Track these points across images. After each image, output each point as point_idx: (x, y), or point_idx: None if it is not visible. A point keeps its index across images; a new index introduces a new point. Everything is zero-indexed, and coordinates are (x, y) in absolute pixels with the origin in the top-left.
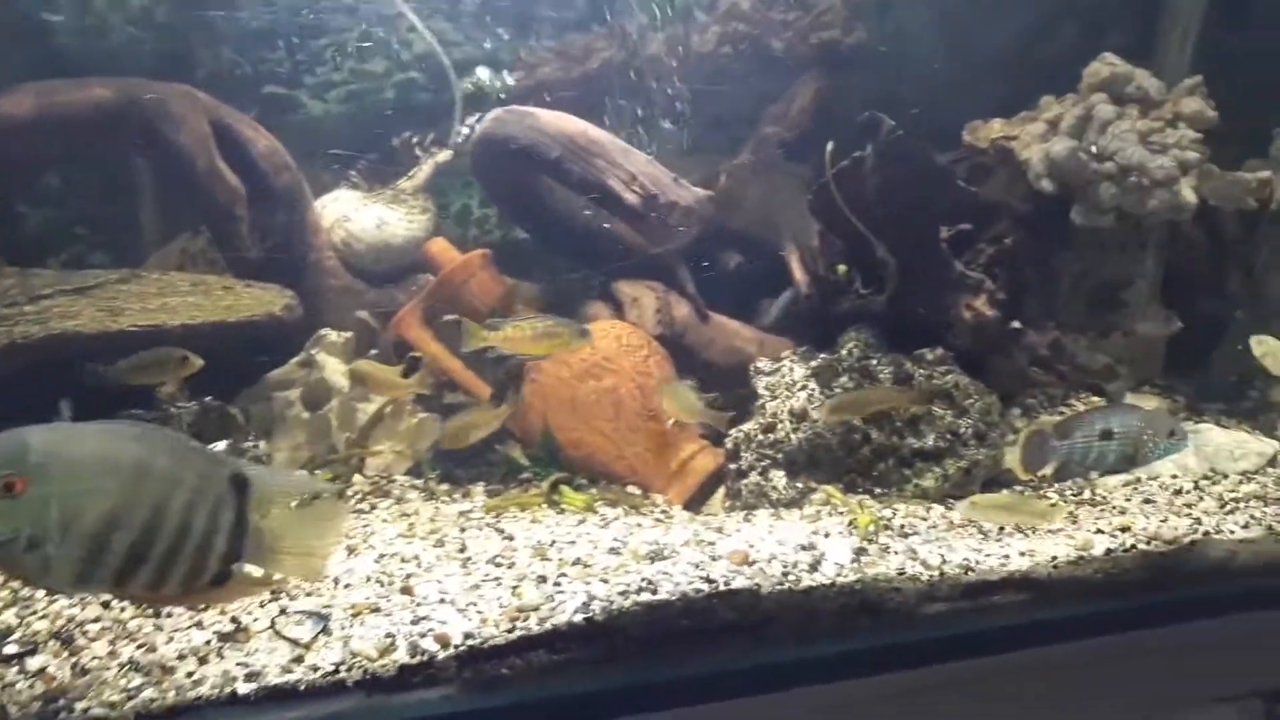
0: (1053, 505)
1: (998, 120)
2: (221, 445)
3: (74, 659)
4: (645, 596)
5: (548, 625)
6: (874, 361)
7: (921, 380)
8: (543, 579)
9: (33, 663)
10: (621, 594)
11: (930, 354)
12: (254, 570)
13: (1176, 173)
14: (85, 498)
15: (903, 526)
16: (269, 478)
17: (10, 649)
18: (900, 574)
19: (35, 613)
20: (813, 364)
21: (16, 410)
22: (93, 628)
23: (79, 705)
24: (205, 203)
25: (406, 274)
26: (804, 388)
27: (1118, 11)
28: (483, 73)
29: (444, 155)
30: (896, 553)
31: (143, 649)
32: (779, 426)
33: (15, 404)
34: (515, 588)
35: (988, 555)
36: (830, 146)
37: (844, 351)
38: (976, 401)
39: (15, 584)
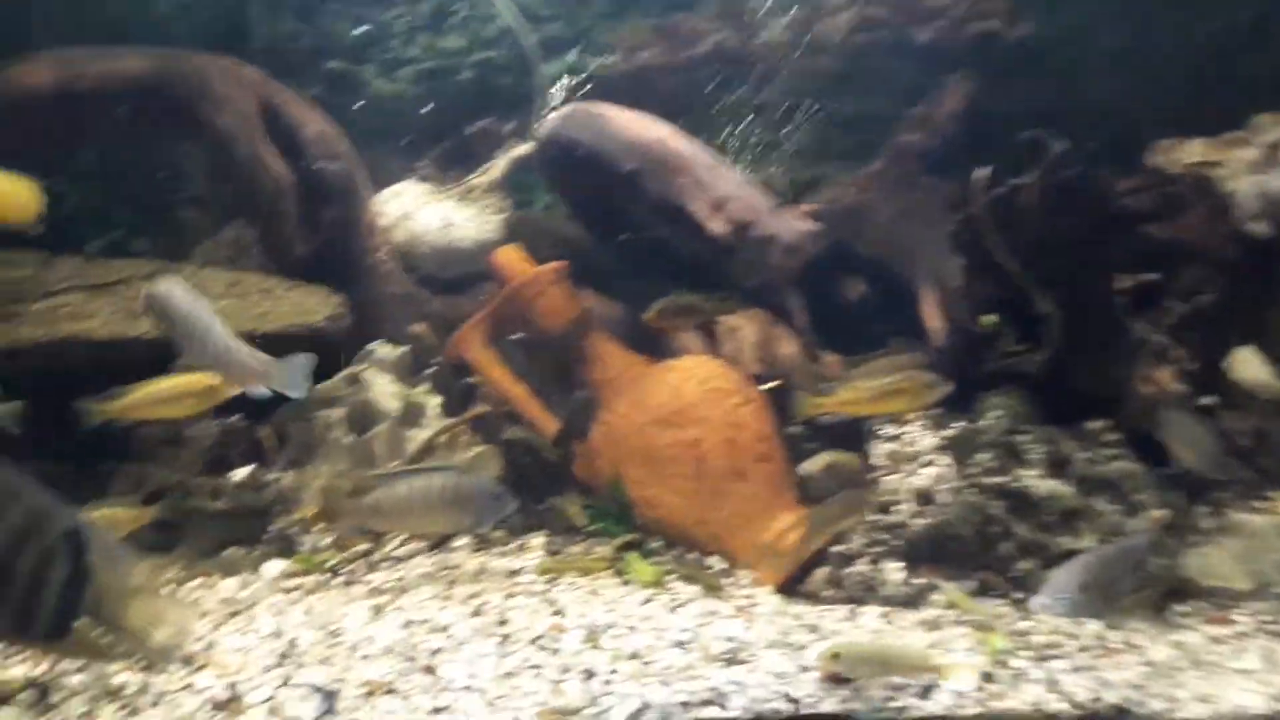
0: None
1: (1199, 141)
2: (243, 472)
3: (46, 717)
4: (711, 712)
5: None
6: (1023, 436)
7: None
8: (590, 674)
9: (3, 715)
10: (683, 705)
11: (1100, 427)
12: None
13: None
14: None
15: (1045, 646)
16: (110, 546)
17: None
18: (1036, 709)
19: (19, 656)
20: (946, 432)
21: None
22: (74, 680)
23: None
24: (248, 192)
25: (475, 282)
26: (932, 462)
27: None
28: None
29: (523, 149)
30: (1033, 680)
31: (124, 712)
32: (899, 506)
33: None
34: (557, 683)
35: (1152, 695)
36: (986, 170)
37: (986, 420)
38: (1150, 497)
39: None
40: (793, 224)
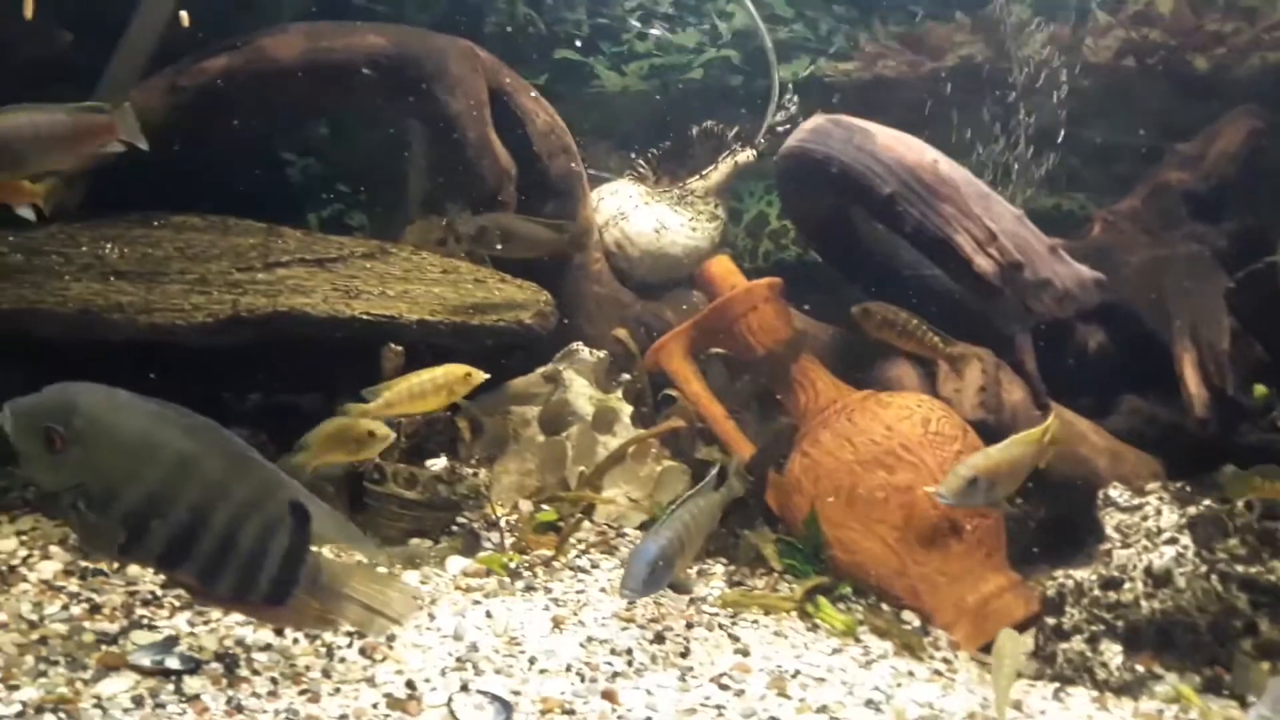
0: None
1: None
2: (441, 463)
3: (232, 691)
4: None
5: None
6: None
7: None
8: None
9: (190, 684)
10: None
11: None
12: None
13: None
14: (121, 478)
15: None
16: (332, 520)
17: (173, 662)
18: None
19: (207, 623)
20: (1191, 510)
21: (241, 382)
22: (260, 657)
23: None
24: (470, 179)
25: (680, 289)
26: (1173, 540)
27: None
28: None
29: (746, 155)
30: None
31: (305, 696)
32: (1127, 585)
33: (238, 376)
34: None
35: None
36: None
37: (1240, 503)
38: None
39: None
40: (1073, 270)
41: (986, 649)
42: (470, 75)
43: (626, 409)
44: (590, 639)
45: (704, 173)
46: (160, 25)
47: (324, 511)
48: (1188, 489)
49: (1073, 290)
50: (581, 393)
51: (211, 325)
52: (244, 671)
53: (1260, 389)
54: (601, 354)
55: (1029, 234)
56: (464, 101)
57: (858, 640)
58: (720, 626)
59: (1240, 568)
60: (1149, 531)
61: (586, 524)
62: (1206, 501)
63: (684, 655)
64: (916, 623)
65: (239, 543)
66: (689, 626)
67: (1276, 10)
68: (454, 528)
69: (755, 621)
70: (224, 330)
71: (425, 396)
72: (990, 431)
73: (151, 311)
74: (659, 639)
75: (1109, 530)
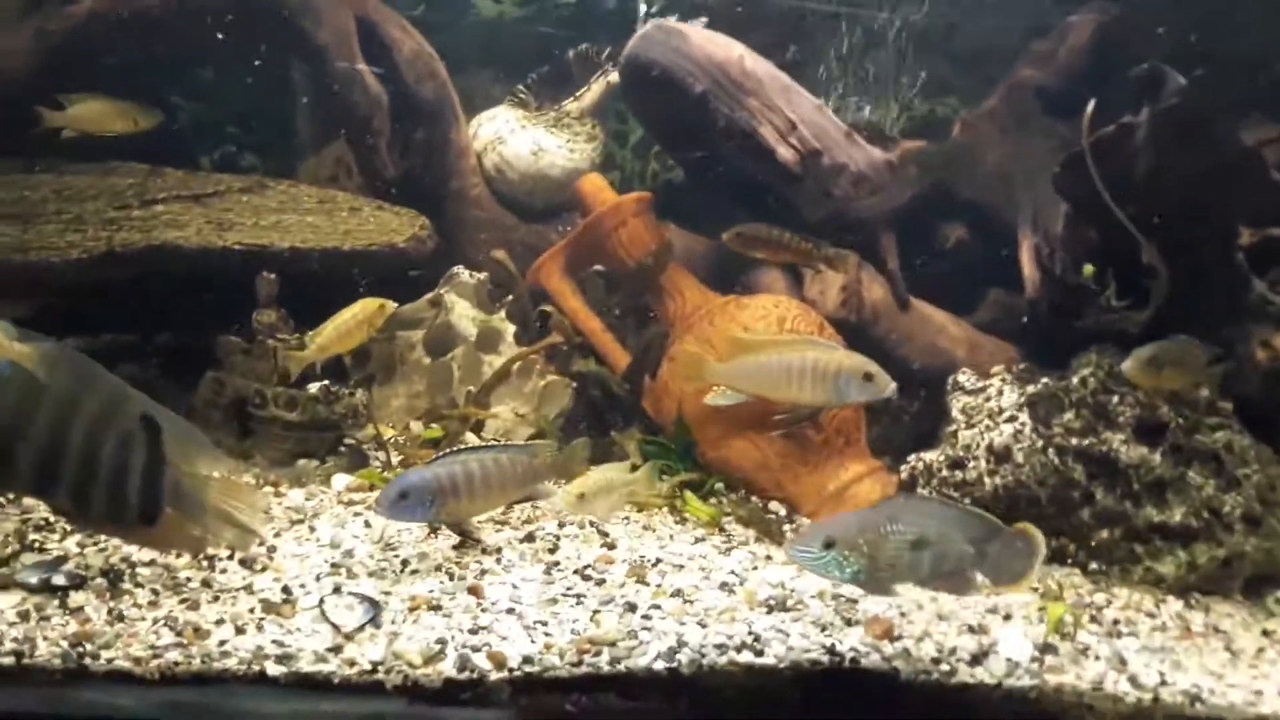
0: None
1: None
2: (315, 386)
3: (114, 603)
4: (747, 656)
5: (621, 666)
6: (1115, 399)
7: None
8: (631, 607)
9: (75, 598)
10: (718, 647)
11: (1206, 394)
12: None
13: None
14: None
15: (1117, 622)
16: (180, 427)
17: (59, 579)
18: (1096, 689)
19: (96, 544)
20: (1030, 389)
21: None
22: (144, 572)
23: (104, 654)
24: (342, 110)
25: (563, 210)
26: (1012, 419)
27: None
28: None
29: (616, 75)
30: (1098, 657)
31: (184, 605)
32: (971, 463)
33: (118, 312)
34: (596, 613)
35: (1232, 685)
36: (1091, 105)
37: (1075, 379)
38: (1255, 473)
39: None
40: (866, 154)
41: None
42: (335, 7)
43: (509, 328)
44: (465, 541)
45: (577, 94)
46: None
47: (171, 419)
48: (1030, 370)
49: (866, 173)
50: (464, 315)
51: (86, 261)
52: (127, 585)
53: (1088, 268)
54: (482, 276)
55: (827, 122)
56: (330, 34)
57: (722, 530)
58: (590, 524)
59: (1075, 440)
60: (991, 411)
61: (472, 438)
62: (1045, 380)
63: (552, 551)
64: (784, 513)
65: (100, 461)
66: (560, 526)
67: None
68: (341, 449)
69: (627, 519)
70: (99, 265)
71: (351, 334)
72: (850, 328)
73: (26, 250)
74: (529, 538)
75: (955, 413)
